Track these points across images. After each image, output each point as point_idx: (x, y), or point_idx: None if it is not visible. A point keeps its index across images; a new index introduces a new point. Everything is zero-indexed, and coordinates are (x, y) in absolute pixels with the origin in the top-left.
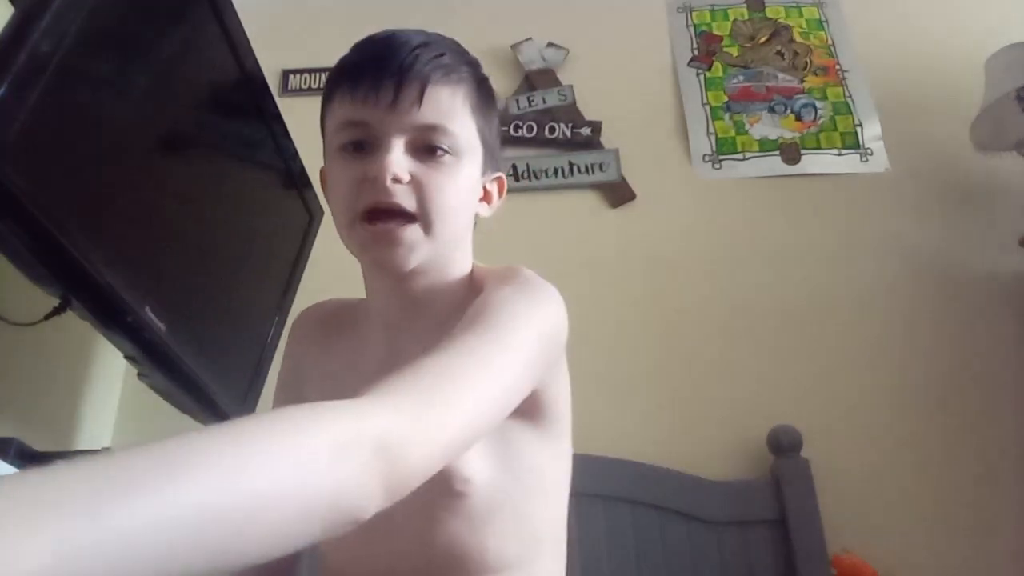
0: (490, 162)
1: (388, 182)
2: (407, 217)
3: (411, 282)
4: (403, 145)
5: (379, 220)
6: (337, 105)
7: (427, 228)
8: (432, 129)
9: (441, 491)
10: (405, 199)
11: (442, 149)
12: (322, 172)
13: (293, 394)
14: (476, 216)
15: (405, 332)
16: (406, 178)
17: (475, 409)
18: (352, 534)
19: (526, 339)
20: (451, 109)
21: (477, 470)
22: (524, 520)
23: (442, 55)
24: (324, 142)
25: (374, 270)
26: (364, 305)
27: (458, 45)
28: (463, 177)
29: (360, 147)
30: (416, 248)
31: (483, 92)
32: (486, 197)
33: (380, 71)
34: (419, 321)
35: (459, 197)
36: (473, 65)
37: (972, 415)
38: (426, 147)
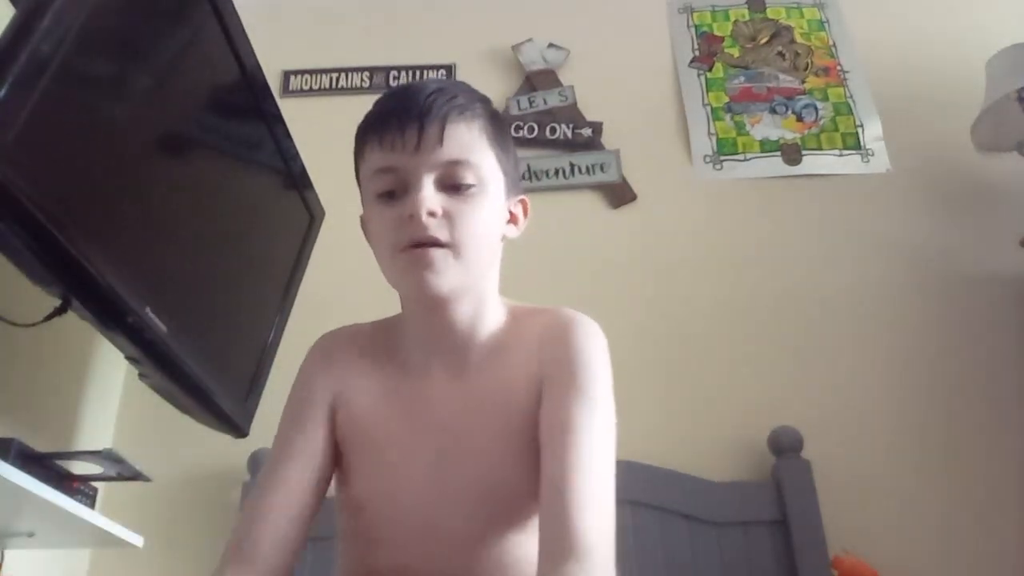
0: (512, 186)
1: (424, 217)
2: (440, 245)
3: (447, 307)
4: (432, 182)
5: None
6: (368, 154)
7: (457, 254)
8: (456, 164)
9: (507, 504)
10: (440, 231)
11: (467, 183)
12: (362, 218)
13: (314, 417)
14: (504, 238)
15: (442, 355)
16: (439, 212)
17: (611, 498)
18: (407, 540)
19: (610, 397)
20: (471, 143)
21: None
22: None
23: (455, 96)
24: (361, 191)
25: (413, 297)
26: (394, 331)
27: (468, 86)
28: (489, 204)
29: (393, 194)
30: (447, 271)
31: (496, 123)
32: (512, 219)
33: (402, 118)
34: (456, 345)
35: (488, 224)
36: (484, 101)
37: (973, 415)
38: (453, 182)
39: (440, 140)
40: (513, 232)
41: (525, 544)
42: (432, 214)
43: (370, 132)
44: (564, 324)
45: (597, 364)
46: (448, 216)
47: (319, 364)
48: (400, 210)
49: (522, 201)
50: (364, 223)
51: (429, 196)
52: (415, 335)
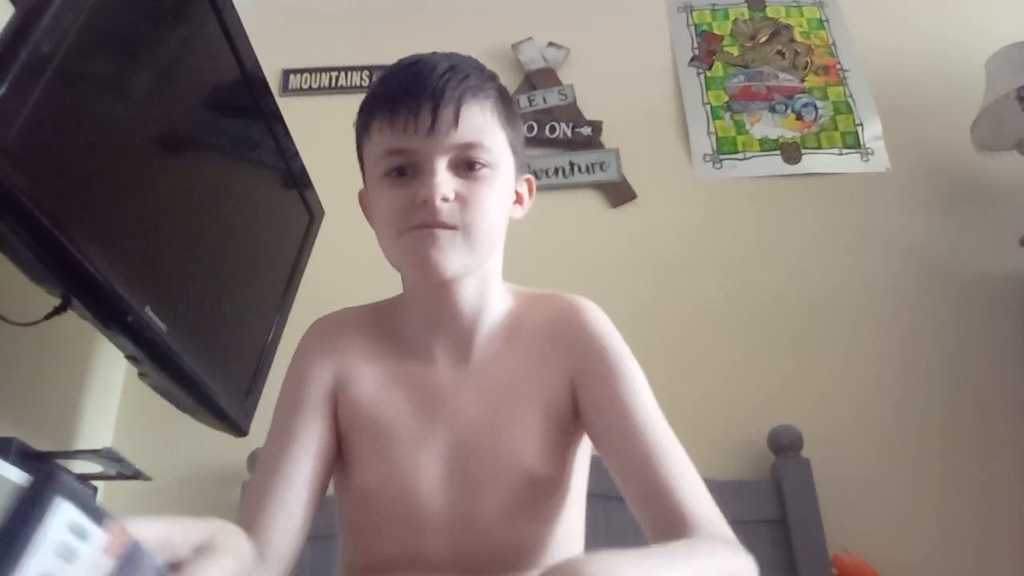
0: (520, 166)
1: (437, 202)
2: (450, 227)
3: (452, 288)
4: (445, 165)
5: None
6: (376, 134)
7: (467, 235)
8: (470, 147)
9: (533, 491)
10: (452, 216)
11: (480, 163)
12: (361, 195)
13: (315, 403)
14: (510, 219)
15: (446, 338)
16: (452, 196)
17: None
18: (424, 527)
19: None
20: (483, 125)
21: (557, 472)
22: (568, 518)
23: (468, 76)
24: (363, 169)
25: (417, 277)
26: (392, 313)
27: (478, 63)
28: (500, 186)
29: (403, 172)
30: (456, 250)
31: (506, 103)
32: (518, 199)
33: (415, 99)
34: (461, 328)
35: (498, 206)
36: (494, 79)
37: (972, 414)
38: (466, 163)
39: (455, 123)
40: (519, 212)
41: (545, 530)
42: (445, 199)
43: (379, 111)
44: (578, 312)
45: (623, 346)
46: (460, 199)
47: (317, 348)
48: (411, 192)
49: (528, 180)
50: (363, 200)
51: (443, 181)
52: (417, 317)
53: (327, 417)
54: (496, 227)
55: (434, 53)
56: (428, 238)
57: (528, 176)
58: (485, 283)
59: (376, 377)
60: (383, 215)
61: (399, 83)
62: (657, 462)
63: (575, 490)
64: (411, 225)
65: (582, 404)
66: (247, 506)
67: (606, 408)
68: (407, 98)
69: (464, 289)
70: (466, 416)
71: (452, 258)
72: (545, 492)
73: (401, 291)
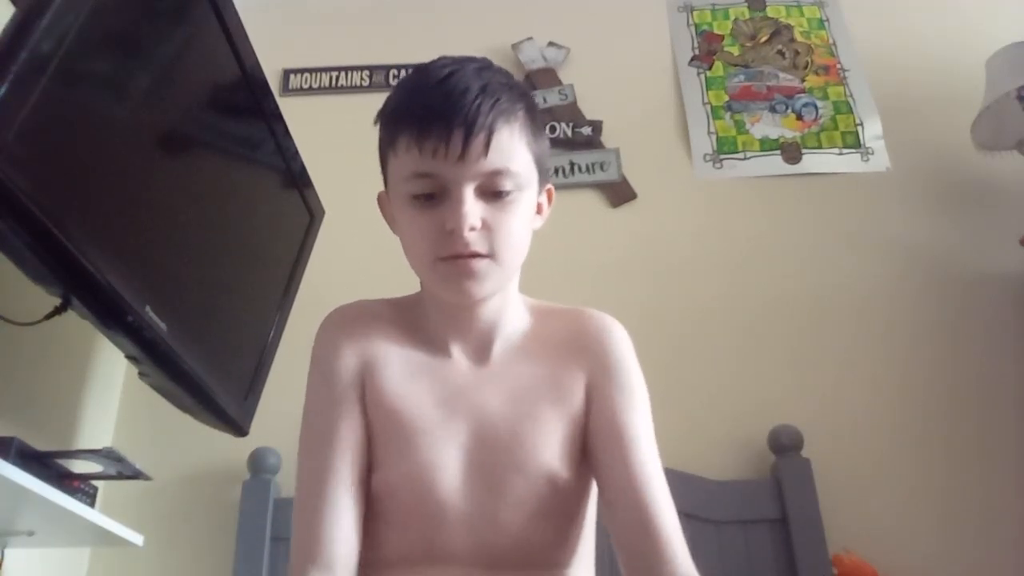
0: (543, 179)
1: (466, 232)
2: (482, 256)
3: (477, 304)
4: (473, 192)
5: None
6: (404, 153)
7: (499, 261)
8: (498, 173)
9: (549, 492)
10: (480, 244)
11: (507, 190)
12: (381, 198)
13: (350, 397)
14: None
15: (464, 341)
16: (479, 225)
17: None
18: (443, 524)
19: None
20: (512, 149)
21: (574, 474)
22: (583, 518)
23: (499, 99)
24: (387, 180)
25: (452, 301)
26: (412, 310)
27: (507, 77)
28: (525, 207)
29: (430, 196)
30: (489, 278)
31: (533, 119)
32: (538, 210)
33: (447, 124)
34: (479, 333)
35: (524, 228)
36: (524, 96)
37: (973, 414)
38: (493, 190)
39: (485, 151)
40: (539, 223)
41: (563, 529)
42: (473, 228)
43: (408, 128)
44: (603, 328)
45: (638, 371)
46: (487, 227)
47: (343, 337)
48: (439, 218)
49: (548, 191)
50: (383, 203)
51: (471, 210)
52: (437, 319)
53: (361, 409)
54: (523, 248)
55: (464, 64)
56: (464, 269)
57: (549, 186)
58: (505, 294)
59: (398, 368)
60: (412, 238)
61: (430, 103)
62: (653, 503)
63: (590, 491)
64: (443, 255)
65: (589, 417)
66: (305, 521)
67: (612, 426)
68: (438, 122)
69: (486, 304)
70: (486, 412)
71: (485, 284)
72: (563, 492)
73: (410, 290)
